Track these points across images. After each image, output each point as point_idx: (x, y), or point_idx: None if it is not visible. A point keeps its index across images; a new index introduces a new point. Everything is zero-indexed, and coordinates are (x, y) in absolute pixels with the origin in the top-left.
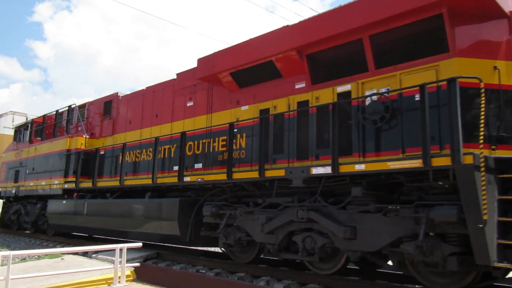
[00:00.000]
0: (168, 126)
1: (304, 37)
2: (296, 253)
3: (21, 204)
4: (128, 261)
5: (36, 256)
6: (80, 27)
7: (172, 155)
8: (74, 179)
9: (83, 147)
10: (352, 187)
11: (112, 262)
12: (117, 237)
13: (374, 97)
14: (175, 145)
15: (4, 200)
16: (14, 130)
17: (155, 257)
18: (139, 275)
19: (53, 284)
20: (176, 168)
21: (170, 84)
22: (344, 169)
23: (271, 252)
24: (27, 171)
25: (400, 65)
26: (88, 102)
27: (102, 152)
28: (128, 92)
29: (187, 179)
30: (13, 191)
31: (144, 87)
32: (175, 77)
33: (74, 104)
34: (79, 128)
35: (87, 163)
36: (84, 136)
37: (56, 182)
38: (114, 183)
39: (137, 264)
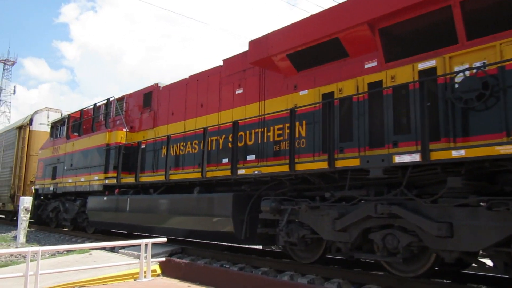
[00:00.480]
0: (215, 116)
1: (377, 9)
2: (371, 253)
3: (59, 201)
4: (153, 256)
5: (65, 252)
6: (105, 27)
7: (220, 147)
8: (115, 175)
9: (123, 141)
10: (448, 177)
11: (138, 257)
12: (162, 235)
13: (467, 73)
14: (223, 136)
15: (33, 197)
16: (50, 126)
17: (180, 252)
18: (164, 269)
19: (81, 279)
20: (225, 160)
21: (216, 71)
22: (436, 156)
23: (341, 251)
24: (65, 168)
25: (501, 33)
26: (127, 95)
27: (143, 146)
28: (169, 83)
29: (241, 172)
30: (51, 188)
31: (187, 76)
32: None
33: (113, 97)
34: (118, 122)
35: (127, 157)
36: (124, 129)
37: (96, 178)
38: (158, 177)
39: (162, 259)
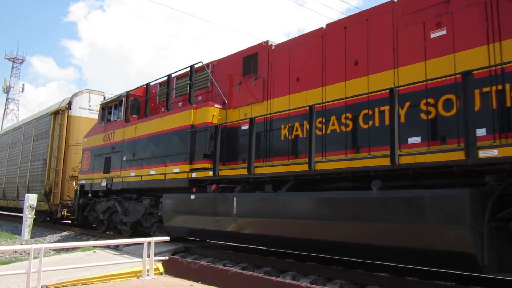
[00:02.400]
0: (384, 75)
1: None
2: None
3: (114, 200)
4: (156, 254)
5: (70, 249)
6: (113, 26)
7: (403, 121)
8: (206, 166)
9: (215, 120)
10: None
11: (141, 255)
12: (302, 251)
13: None
14: (408, 104)
15: (77, 194)
16: (100, 108)
17: (183, 251)
18: (167, 268)
19: (84, 276)
20: (414, 140)
21: (385, 10)
22: None
23: None
24: (124, 158)
25: None
26: (213, 62)
27: (244, 128)
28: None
29: (487, 154)
30: (103, 184)
31: (324, 26)
32: None
33: (200, 62)
34: (201, 97)
35: (225, 142)
36: (215, 106)
37: (176, 170)
38: (289, 168)
39: (165, 258)
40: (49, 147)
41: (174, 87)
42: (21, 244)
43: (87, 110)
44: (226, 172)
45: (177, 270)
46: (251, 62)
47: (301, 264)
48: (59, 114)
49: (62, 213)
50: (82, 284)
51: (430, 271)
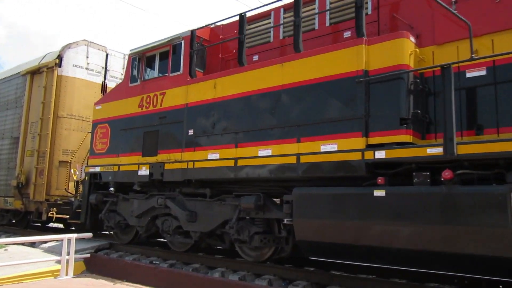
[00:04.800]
0: None
1: None
2: None
3: (163, 197)
4: (77, 252)
5: None
6: (37, 7)
7: None
8: (407, 138)
9: (412, 63)
10: None
11: (60, 253)
12: None
13: None
14: None
15: (86, 186)
16: (128, 60)
17: (108, 248)
18: (89, 266)
19: None
20: None
21: None
22: None
23: None
24: (191, 132)
25: None
26: None
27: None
28: None
29: None
30: (144, 172)
31: None
32: None
33: None
34: (347, 34)
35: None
36: (410, 38)
37: (330, 147)
38: None
39: (87, 255)
40: (23, 120)
41: (282, 22)
42: None
43: (84, 69)
44: (471, 147)
45: (100, 268)
46: None
47: (230, 260)
48: (41, 74)
49: (50, 214)
50: None
51: None
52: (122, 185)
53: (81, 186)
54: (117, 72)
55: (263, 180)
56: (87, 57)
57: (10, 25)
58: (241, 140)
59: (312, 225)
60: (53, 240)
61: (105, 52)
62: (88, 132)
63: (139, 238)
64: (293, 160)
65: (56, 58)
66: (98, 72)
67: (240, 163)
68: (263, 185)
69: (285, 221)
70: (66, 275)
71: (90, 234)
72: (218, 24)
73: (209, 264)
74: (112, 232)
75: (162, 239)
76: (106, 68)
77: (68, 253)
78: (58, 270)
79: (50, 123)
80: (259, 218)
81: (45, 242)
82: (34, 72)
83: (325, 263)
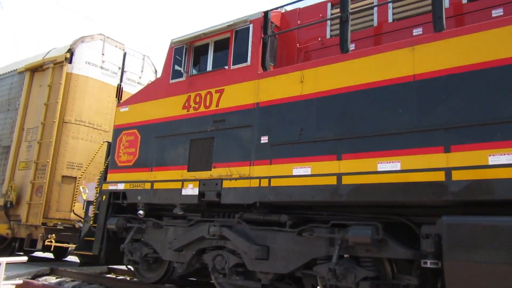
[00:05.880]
0: None
1: None
2: None
3: (219, 224)
4: (9, 278)
5: None
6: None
7: None
8: None
9: None
10: None
11: None
12: None
13: None
14: None
15: (102, 208)
16: (171, 51)
17: (47, 274)
18: None
19: None
20: None
21: None
22: None
23: None
24: (264, 139)
25: None
26: None
27: None
28: None
29: None
30: (191, 191)
31: None
32: None
33: None
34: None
35: None
36: None
37: (505, 158)
38: None
39: (19, 282)
40: (16, 125)
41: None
42: None
43: (98, 68)
44: None
45: None
46: None
47: None
48: (45, 71)
49: (48, 242)
50: None
51: None
52: (152, 208)
53: (90, 208)
54: (135, 75)
55: (379, 205)
56: (103, 54)
57: None
58: (347, 149)
59: (486, 271)
60: None
61: (123, 50)
62: (103, 141)
63: (169, 276)
64: (440, 176)
65: (67, 52)
66: (114, 73)
67: (346, 180)
68: (365, 211)
69: (428, 263)
70: None
71: (24, 258)
72: (288, 9)
73: None
74: (132, 268)
75: (199, 279)
76: (123, 69)
77: None
78: None
79: (54, 129)
80: (368, 257)
81: None
82: (36, 69)
83: None
